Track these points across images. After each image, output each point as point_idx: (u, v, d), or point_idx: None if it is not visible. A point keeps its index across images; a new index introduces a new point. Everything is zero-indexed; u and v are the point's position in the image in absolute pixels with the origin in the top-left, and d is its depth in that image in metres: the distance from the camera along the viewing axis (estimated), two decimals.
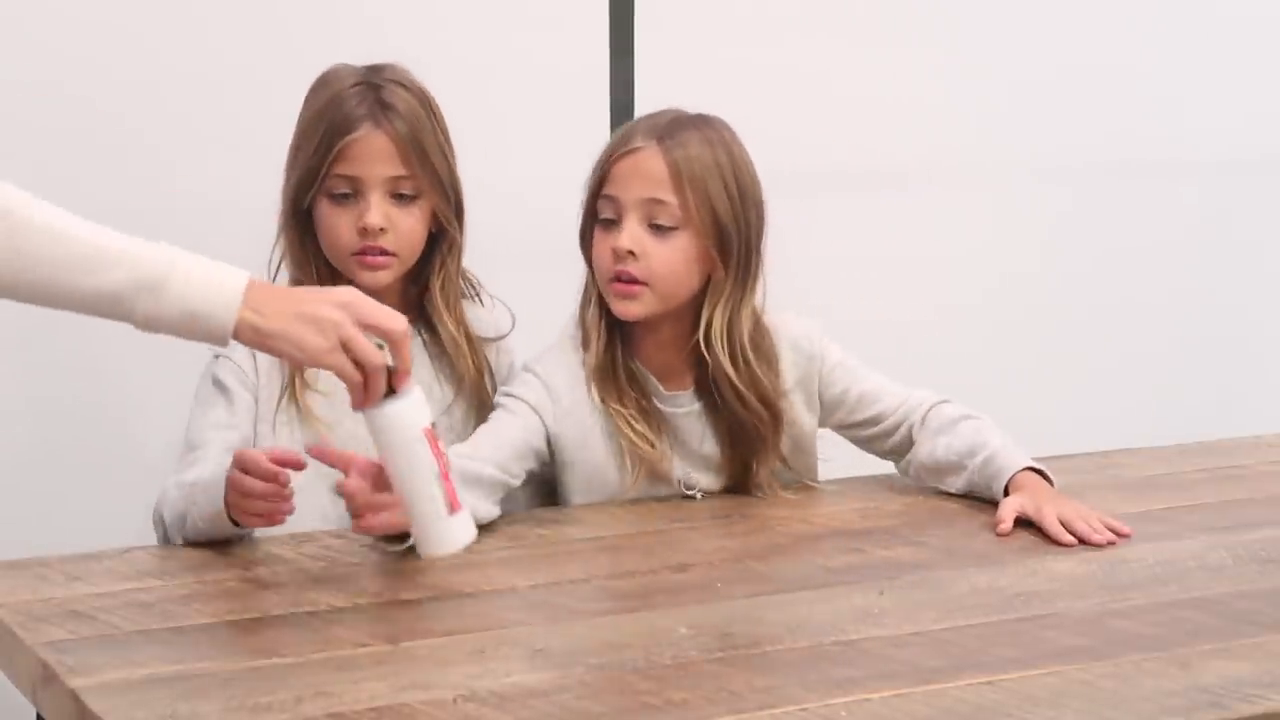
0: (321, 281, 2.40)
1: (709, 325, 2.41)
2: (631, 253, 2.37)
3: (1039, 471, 2.41)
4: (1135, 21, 3.76)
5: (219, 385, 2.39)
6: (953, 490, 2.49)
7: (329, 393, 2.35)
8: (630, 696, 1.72)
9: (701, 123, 2.45)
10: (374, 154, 2.39)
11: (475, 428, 2.43)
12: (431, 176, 2.42)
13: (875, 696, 1.72)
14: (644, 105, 3.27)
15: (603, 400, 2.42)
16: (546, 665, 1.81)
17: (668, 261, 2.38)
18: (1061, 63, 3.69)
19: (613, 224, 2.40)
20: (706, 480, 2.49)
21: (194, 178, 3.00)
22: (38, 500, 2.96)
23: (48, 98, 2.93)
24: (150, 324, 1.98)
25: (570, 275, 2.49)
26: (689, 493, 2.47)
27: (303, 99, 2.47)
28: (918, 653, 1.86)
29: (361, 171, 2.39)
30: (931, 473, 2.52)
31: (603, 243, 2.40)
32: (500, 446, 2.37)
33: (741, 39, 3.39)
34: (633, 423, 2.42)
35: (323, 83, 2.45)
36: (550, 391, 2.43)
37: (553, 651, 1.85)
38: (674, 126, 2.42)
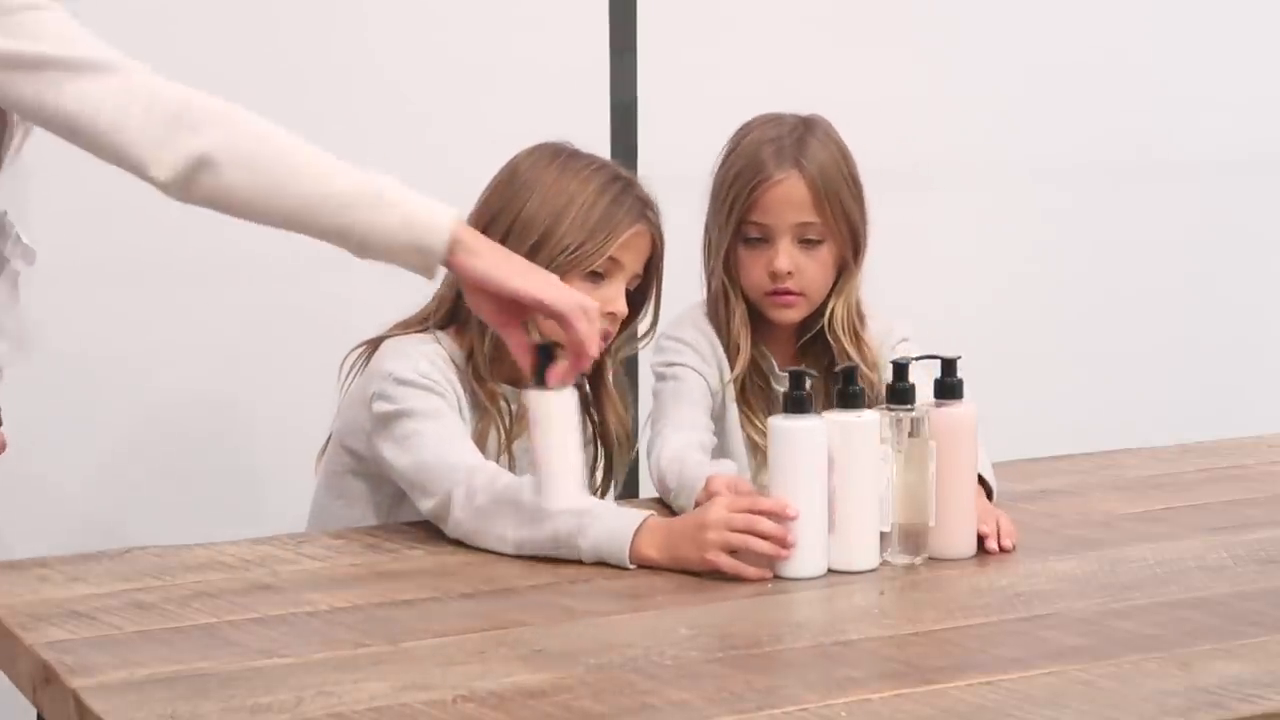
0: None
1: (833, 313, 2.57)
2: (790, 272, 2.52)
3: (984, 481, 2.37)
4: (1134, 21, 3.76)
5: (437, 393, 2.34)
6: None
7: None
8: (630, 696, 1.72)
9: (813, 126, 2.58)
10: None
11: None
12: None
13: (875, 696, 1.72)
14: (645, 104, 3.28)
15: (745, 404, 2.56)
16: (546, 665, 1.81)
17: (820, 272, 2.55)
18: (1060, 63, 3.69)
19: (760, 243, 2.54)
20: None
21: None
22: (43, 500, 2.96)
23: None
24: (368, 235, 2.01)
25: None
26: None
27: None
28: (918, 653, 1.86)
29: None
30: None
31: (755, 261, 2.55)
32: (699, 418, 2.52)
33: (743, 38, 3.39)
34: (758, 424, 2.54)
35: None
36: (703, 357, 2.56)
37: (553, 651, 1.85)
38: (800, 144, 2.54)
